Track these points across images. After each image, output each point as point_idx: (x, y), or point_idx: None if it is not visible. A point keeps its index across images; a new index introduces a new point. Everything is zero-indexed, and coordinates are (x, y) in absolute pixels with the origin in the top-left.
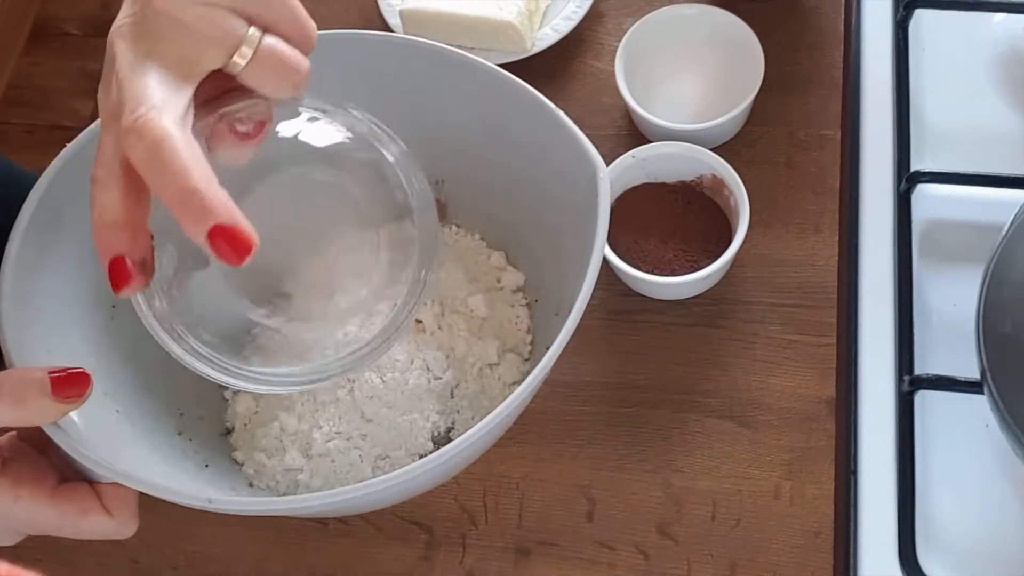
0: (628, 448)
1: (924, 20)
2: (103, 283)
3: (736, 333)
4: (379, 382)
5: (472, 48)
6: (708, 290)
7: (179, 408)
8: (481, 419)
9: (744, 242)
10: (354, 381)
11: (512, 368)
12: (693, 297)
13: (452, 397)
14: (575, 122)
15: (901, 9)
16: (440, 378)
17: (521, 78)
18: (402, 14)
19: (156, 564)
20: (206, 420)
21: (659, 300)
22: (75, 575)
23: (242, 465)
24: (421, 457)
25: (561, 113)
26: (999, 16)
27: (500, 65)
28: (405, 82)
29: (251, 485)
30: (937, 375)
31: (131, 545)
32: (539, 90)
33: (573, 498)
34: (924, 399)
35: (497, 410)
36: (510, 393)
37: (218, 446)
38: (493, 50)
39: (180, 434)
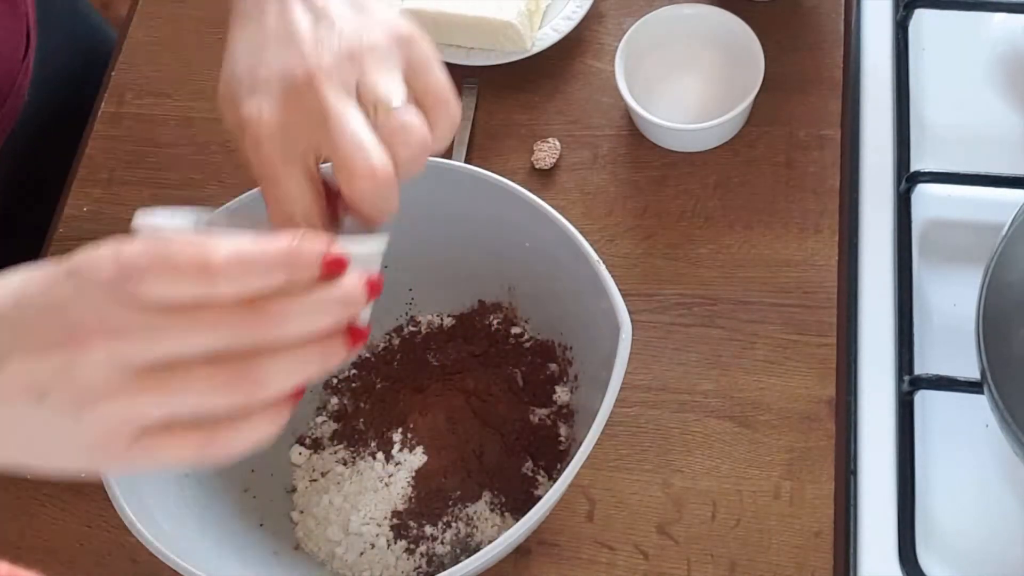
0: (628, 448)
1: (924, 20)
2: None
3: (736, 333)
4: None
5: (472, 48)
6: (708, 290)
7: (250, 466)
8: None
9: (744, 242)
10: (392, 475)
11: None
12: (693, 297)
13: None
14: (574, 122)
15: (901, 9)
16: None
17: (521, 78)
18: (402, 14)
19: (156, 564)
20: (275, 477)
21: (659, 300)
22: (75, 575)
23: (295, 525)
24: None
25: (602, 267)
26: (999, 16)
27: (500, 65)
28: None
29: (297, 547)
30: (937, 375)
31: (131, 545)
32: (539, 90)
33: (573, 498)
34: (924, 399)
35: (524, 519)
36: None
37: (281, 502)
38: (493, 50)
39: (246, 491)
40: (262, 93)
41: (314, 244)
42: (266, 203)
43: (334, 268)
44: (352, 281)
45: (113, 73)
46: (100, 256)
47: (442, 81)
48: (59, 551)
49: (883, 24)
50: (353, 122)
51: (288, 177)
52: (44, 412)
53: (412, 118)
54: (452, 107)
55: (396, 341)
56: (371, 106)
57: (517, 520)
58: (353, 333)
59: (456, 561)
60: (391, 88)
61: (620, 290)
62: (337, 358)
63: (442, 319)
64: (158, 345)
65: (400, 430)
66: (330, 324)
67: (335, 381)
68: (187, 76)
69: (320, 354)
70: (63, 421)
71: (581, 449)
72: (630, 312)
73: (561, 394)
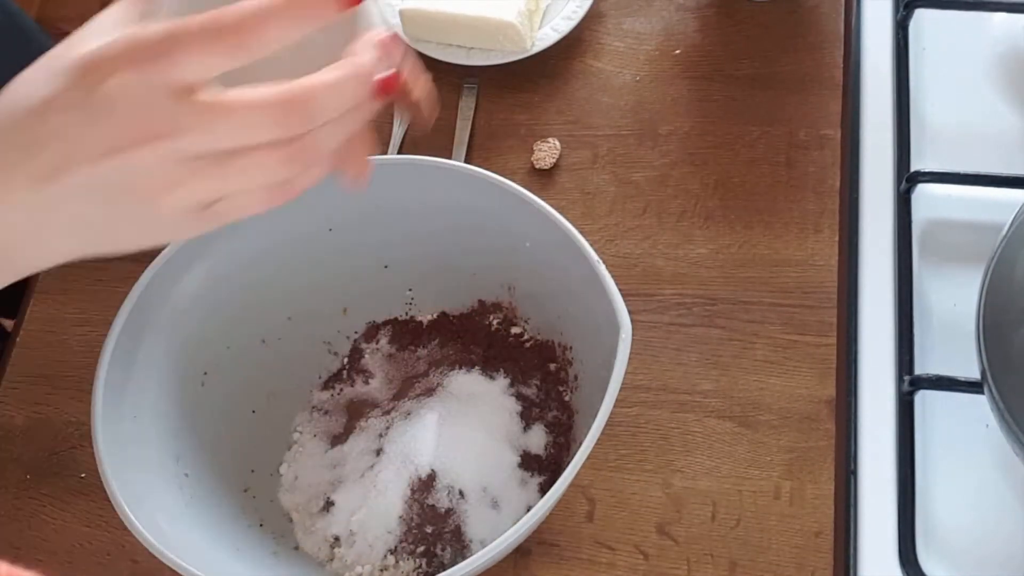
0: (628, 448)
1: (924, 20)
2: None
3: (736, 333)
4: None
5: (472, 48)
6: (708, 290)
7: (251, 466)
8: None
9: (744, 242)
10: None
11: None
12: (693, 297)
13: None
14: (574, 122)
15: (901, 9)
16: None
17: (521, 78)
18: (402, 14)
19: (156, 564)
20: (275, 477)
21: (659, 300)
22: (75, 575)
23: (295, 525)
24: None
25: (602, 267)
26: (999, 16)
27: (500, 65)
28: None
29: (297, 547)
30: (937, 375)
31: (131, 545)
32: (539, 90)
33: (573, 498)
34: (924, 399)
35: (524, 519)
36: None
37: (281, 502)
38: (493, 50)
39: (246, 491)
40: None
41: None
42: None
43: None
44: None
45: None
46: (123, 47)
47: None
48: (59, 551)
49: (883, 24)
50: None
51: None
52: (116, 209)
53: None
54: None
55: (396, 341)
56: None
57: (516, 519)
58: (384, 83)
59: (456, 561)
60: None
61: (620, 290)
62: (372, 109)
63: (442, 319)
64: (217, 141)
65: (400, 430)
66: (363, 87)
67: (335, 381)
68: None
69: (358, 113)
70: (135, 214)
71: (581, 449)
72: (630, 312)
73: (561, 394)
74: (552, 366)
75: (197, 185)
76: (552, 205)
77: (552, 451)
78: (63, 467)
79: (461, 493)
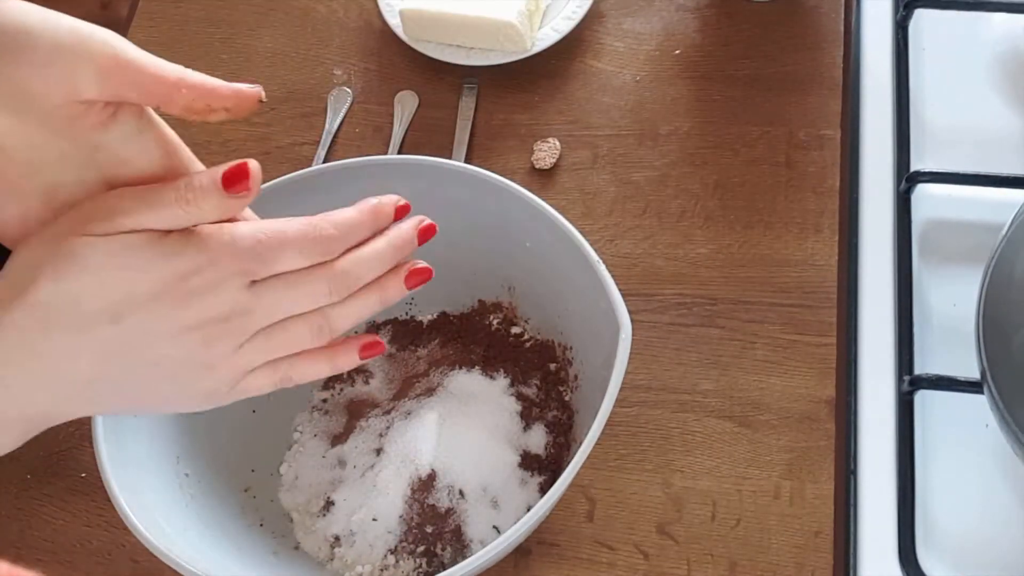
0: (628, 448)
1: (924, 20)
2: None
3: (736, 333)
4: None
5: (472, 48)
6: (708, 290)
7: (251, 465)
8: None
9: (744, 242)
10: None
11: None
12: (693, 297)
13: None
14: (574, 122)
15: (901, 9)
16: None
17: (521, 78)
18: (402, 14)
19: (156, 564)
20: (275, 477)
21: (659, 300)
22: (75, 575)
23: (295, 525)
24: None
25: (602, 267)
26: (999, 16)
27: (500, 65)
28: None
29: (297, 547)
30: (937, 375)
31: (131, 545)
32: (539, 90)
33: (573, 498)
34: (924, 399)
35: (524, 519)
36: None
37: (281, 502)
38: (493, 50)
39: (246, 491)
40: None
41: (388, 198)
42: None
43: (402, 212)
44: (408, 227)
45: None
46: (222, 243)
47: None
48: (59, 551)
49: (883, 24)
50: None
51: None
52: (173, 382)
53: None
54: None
55: (396, 341)
56: None
57: (516, 519)
58: (415, 272)
59: (456, 561)
60: None
61: (620, 290)
62: (397, 294)
63: (442, 319)
64: (273, 318)
65: (401, 430)
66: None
67: (336, 380)
68: None
69: (380, 293)
70: (188, 381)
71: (581, 449)
72: (630, 312)
73: (561, 394)
74: (552, 366)
75: (245, 359)
76: (552, 205)
77: (552, 451)
78: (63, 467)
79: (461, 493)
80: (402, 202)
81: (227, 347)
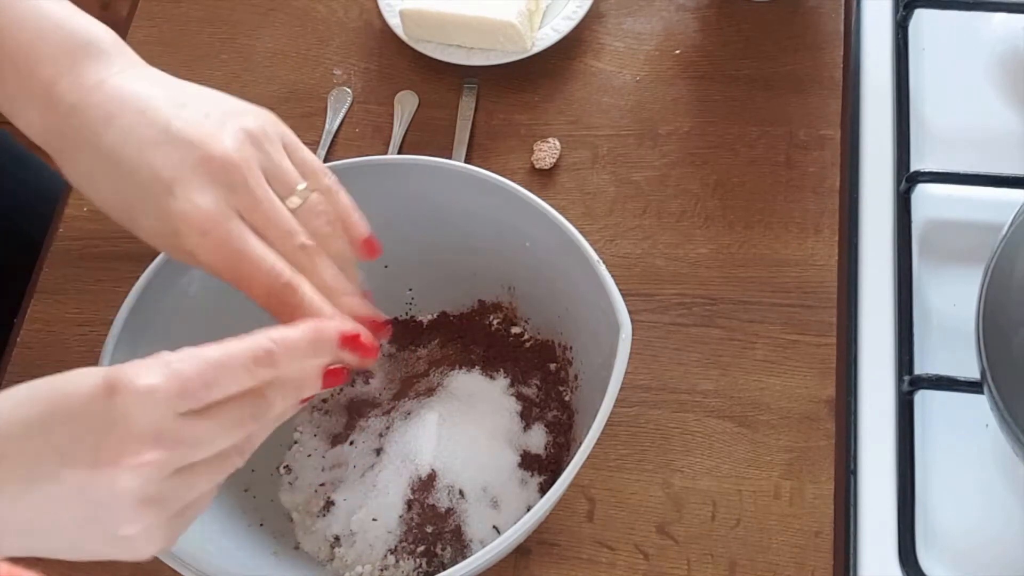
0: (628, 448)
1: (924, 20)
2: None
3: (736, 333)
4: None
5: (472, 48)
6: (708, 290)
7: (251, 465)
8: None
9: (744, 242)
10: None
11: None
12: (693, 297)
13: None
14: (574, 122)
15: (901, 9)
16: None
17: (521, 78)
18: (402, 14)
19: (156, 563)
20: (275, 477)
21: (659, 300)
22: (75, 575)
23: (295, 525)
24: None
25: (602, 267)
26: (999, 16)
27: (500, 65)
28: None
29: (297, 547)
30: (937, 375)
31: None
32: (539, 90)
33: (573, 498)
34: (924, 399)
35: (524, 519)
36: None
37: (281, 502)
38: (493, 50)
39: (246, 491)
40: (182, 186)
41: (330, 324)
42: (237, 282)
43: (349, 341)
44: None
45: None
46: (150, 373)
47: (310, 155)
48: None
49: (883, 24)
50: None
51: (249, 245)
52: (93, 527)
53: (320, 201)
54: (329, 175)
55: (396, 341)
56: (280, 185)
57: (516, 519)
58: (330, 373)
59: (456, 561)
60: (294, 172)
61: (620, 290)
62: (313, 390)
63: (442, 319)
64: (206, 449)
65: (401, 430)
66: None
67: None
68: (187, 76)
69: (296, 391)
70: (106, 523)
71: (581, 449)
72: (630, 312)
73: (561, 394)
74: (552, 366)
75: (170, 493)
76: (552, 205)
77: (552, 451)
78: None
79: (461, 493)
80: (350, 331)
81: (142, 492)
